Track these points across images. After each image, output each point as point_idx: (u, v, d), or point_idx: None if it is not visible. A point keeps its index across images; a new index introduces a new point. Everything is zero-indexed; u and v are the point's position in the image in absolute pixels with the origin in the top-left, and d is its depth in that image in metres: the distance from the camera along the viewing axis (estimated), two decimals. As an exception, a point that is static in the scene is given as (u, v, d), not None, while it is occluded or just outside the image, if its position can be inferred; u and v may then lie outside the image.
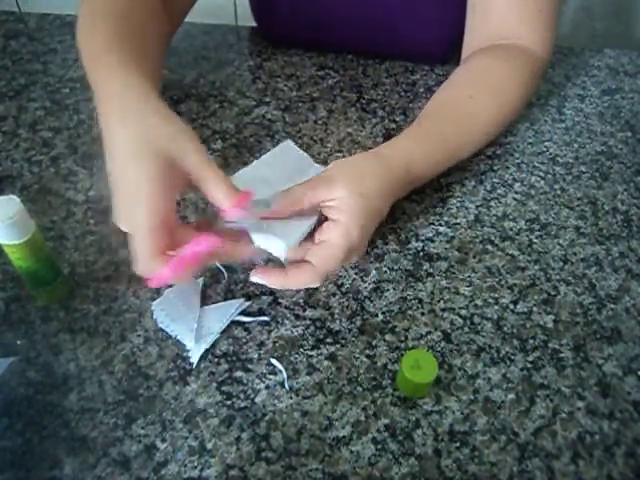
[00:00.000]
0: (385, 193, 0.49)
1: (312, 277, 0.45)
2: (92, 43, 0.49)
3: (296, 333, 0.48)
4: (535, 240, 0.56)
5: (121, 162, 0.41)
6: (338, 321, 0.49)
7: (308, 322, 0.49)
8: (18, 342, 0.47)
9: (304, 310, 0.50)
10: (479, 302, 0.51)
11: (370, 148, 0.64)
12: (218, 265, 0.52)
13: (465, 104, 0.59)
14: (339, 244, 0.44)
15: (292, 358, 0.47)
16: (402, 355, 0.47)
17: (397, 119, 0.69)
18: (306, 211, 0.46)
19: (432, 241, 0.56)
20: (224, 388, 0.45)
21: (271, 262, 0.47)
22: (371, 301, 0.51)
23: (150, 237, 0.39)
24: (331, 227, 0.45)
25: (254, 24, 0.81)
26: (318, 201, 0.46)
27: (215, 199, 0.41)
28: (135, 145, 0.40)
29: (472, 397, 0.45)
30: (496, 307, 0.51)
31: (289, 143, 0.53)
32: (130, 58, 0.46)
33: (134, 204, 0.40)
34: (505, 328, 0.49)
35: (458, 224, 0.58)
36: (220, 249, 0.42)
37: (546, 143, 0.67)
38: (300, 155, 0.52)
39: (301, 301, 0.50)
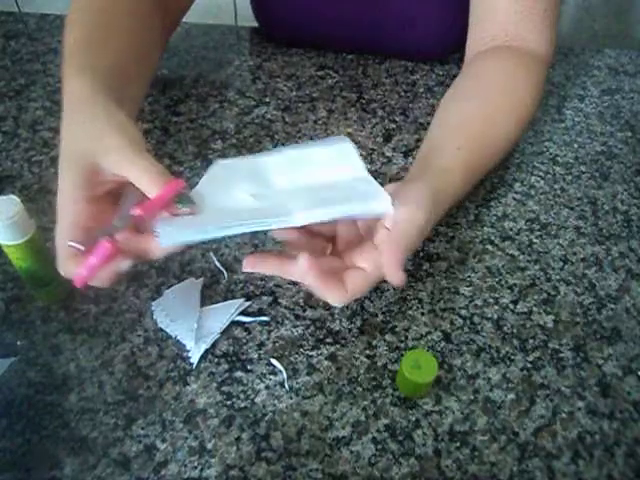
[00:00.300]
0: (431, 227, 0.46)
1: (340, 299, 0.41)
2: (67, 42, 0.49)
3: (296, 333, 0.48)
4: (535, 240, 0.56)
5: (58, 165, 0.42)
6: (338, 321, 0.49)
7: (308, 322, 0.49)
8: (18, 342, 0.47)
9: (304, 310, 0.50)
10: (479, 302, 0.51)
11: (370, 148, 0.65)
12: (218, 265, 0.52)
13: (489, 116, 0.57)
14: (377, 276, 0.42)
15: (292, 358, 0.47)
16: (402, 355, 0.47)
17: (397, 119, 0.69)
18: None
19: (432, 241, 0.56)
20: (224, 388, 0.45)
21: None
22: (371, 301, 0.51)
23: (61, 239, 0.40)
24: (376, 256, 0.41)
25: (254, 24, 0.81)
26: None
27: (142, 186, 0.39)
28: (65, 149, 0.42)
29: (472, 397, 0.45)
30: (496, 307, 0.51)
31: (348, 145, 0.44)
32: (89, 64, 0.46)
33: (58, 208, 0.41)
34: (505, 328, 0.49)
35: (458, 224, 0.58)
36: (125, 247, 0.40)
37: (546, 143, 0.67)
38: (355, 173, 0.43)
39: (301, 301, 0.50)
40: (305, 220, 0.39)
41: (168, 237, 0.39)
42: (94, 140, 0.40)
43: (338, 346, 0.48)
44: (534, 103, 0.61)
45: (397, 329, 0.49)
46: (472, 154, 0.53)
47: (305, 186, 0.43)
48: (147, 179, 0.39)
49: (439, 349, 0.48)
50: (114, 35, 0.51)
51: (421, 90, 0.73)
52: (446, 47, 0.74)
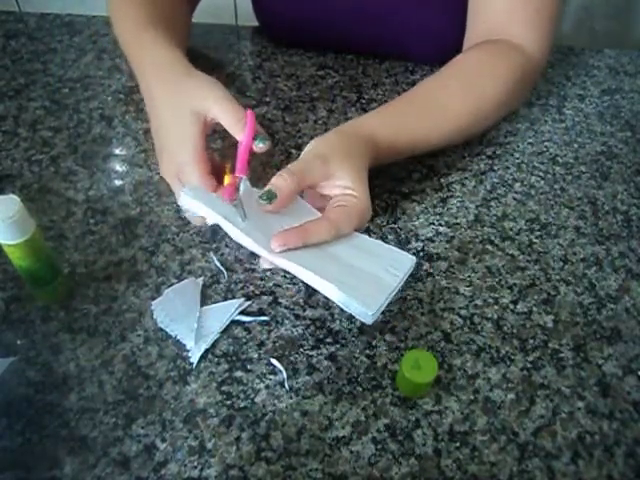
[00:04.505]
0: (367, 166, 0.51)
1: (328, 231, 0.46)
2: (126, 24, 0.60)
3: (296, 333, 0.48)
4: (535, 240, 0.56)
5: (166, 124, 0.52)
6: (338, 321, 0.49)
7: (308, 322, 0.49)
8: (18, 342, 0.47)
9: (304, 310, 0.50)
10: (479, 302, 0.51)
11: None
12: (218, 265, 0.52)
13: (437, 94, 0.59)
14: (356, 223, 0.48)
15: (292, 358, 0.47)
16: (402, 355, 0.47)
17: (397, 119, 0.68)
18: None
19: (432, 241, 0.56)
20: (224, 388, 0.45)
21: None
22: (371, 301, 0.51)
23: (198, 166, 0.49)
24: (341, 210, 0.47)
25: (254, 24, 0.81)
26: (315, 182, 0.48)
27: (232, 131, 0.50)
28: (176, 110, 0.51)
29: (472, 397, 0.45)
30: (496, 307, 0.51)
31: (412, 261, 0.48)
32: (160, 35, 0.56)
33: (181, 151, 0.50)
34: (505, 328, 0.49)
35: (458, 224, 0.58)
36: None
37: (546, 143, 0.67)
38: (385, 278, 0.46)
39: (301, 301, 0.50)
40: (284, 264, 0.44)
41: (186, 200, 0.46)
42: (200, 97, 0.50)
43: (338, 346, 0.48)
44: (504, 87, 0.61)
45: (397, 329, 0.49)
46: (402, 109, 0.58)
47: (326, 252, 0.47)
48: (234, 123, 0.49)
49: (439, 349, 0.48)
50: (161, 15, 0.61)
51: (421, 90, 0.73)
52: (446, 47, 0.74)
